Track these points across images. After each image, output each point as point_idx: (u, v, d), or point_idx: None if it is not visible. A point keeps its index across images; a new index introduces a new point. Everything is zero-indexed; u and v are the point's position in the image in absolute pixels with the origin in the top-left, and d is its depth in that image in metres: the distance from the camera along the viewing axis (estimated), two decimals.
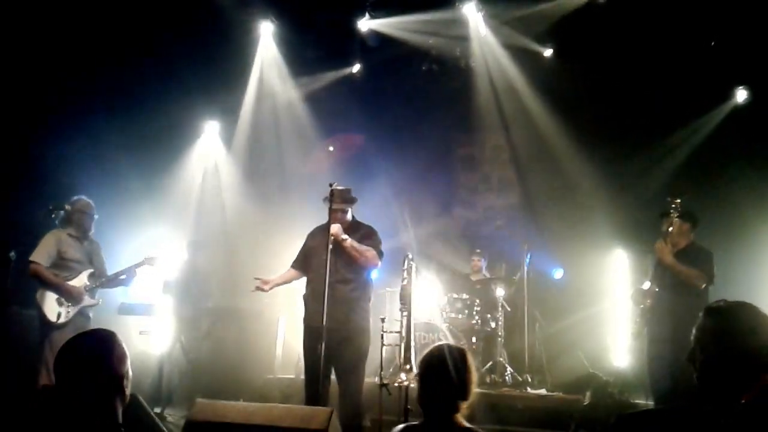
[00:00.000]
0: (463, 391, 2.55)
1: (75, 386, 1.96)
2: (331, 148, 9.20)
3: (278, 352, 8.19)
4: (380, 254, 5.24)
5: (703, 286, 5.43)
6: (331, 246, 4.85)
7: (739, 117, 8.38)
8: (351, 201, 5.30)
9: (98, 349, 2.04)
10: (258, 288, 5.28)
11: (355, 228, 5.26)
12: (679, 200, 5.51)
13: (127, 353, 2.10)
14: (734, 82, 8.43)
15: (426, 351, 2.71)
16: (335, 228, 4.93)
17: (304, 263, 5.34)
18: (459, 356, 2.61)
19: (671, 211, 5.54)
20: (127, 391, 2.07)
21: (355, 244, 5.05)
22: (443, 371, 2.54)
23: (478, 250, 8.52)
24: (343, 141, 9.47)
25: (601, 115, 8.52)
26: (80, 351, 2.03)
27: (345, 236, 5.02)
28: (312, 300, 5.06)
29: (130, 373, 2.09)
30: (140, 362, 6.98)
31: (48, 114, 7.79)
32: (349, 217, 5.29)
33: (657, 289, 5.53)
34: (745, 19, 7.61)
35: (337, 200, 5.02)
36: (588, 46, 8.56)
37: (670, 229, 5.54)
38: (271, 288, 5.33)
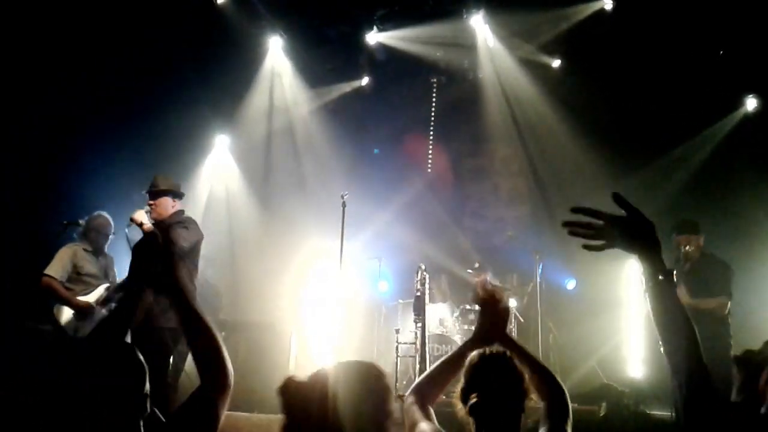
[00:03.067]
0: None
1: (102, 405, 1.88)
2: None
3: (291, 365, 8.17)
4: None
5: (728, 308, 5.37)
6: None
7: (750, 126, 8.35)
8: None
9: (128, 367, 1.97)
10: None
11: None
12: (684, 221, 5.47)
13: (146, 368, 2.04)
14: (744, 91, 8.40)
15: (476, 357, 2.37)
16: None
17: None
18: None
19: (683, 230, 5.46)
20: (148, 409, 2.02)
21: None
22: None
23: (477, 264, 8.43)
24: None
25: (610, 125, 8.52)
26: (108, 368, 1.94)
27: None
28: None
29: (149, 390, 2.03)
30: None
31: (65, 131, 7.86)
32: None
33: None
34: (754, 28, 7.62)
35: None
36: (595, 56, 8.59)
37: (688, 248, 5.45)
38: None
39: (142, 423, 1.95)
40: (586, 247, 1.88)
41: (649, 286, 1.85)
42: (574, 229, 1.89)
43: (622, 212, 1.88)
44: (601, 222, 1.88)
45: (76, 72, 7.83)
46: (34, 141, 7.73)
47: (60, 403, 1.91)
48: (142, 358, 2.01)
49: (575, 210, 1.89)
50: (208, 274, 8.17)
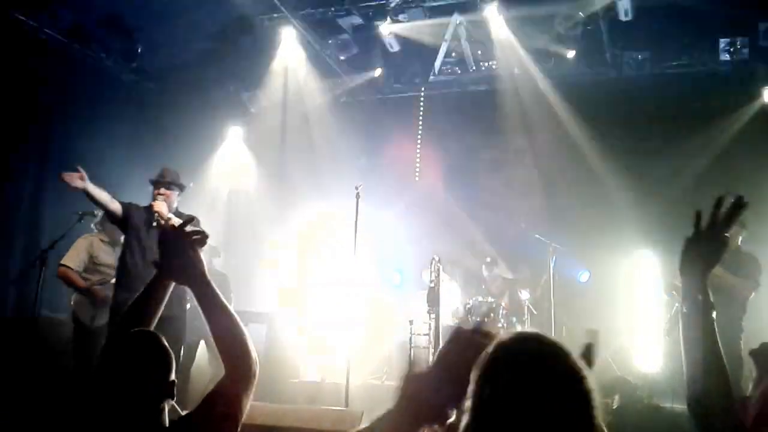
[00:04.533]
0: None
1: (130, 391, 1.93)
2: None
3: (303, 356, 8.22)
4: None
5: (752, 295, 5.38)
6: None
7: (765, 118, 8.26)
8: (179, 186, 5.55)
9: (155, 354, 2.01)
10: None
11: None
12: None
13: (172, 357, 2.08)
14: (761, 82, 8.31)
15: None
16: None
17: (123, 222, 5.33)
18: None
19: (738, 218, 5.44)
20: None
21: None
22: None
23: (488, 259, 8.44)
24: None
25: (625, 116, 8.46)
26: (136, 355, 1.99)
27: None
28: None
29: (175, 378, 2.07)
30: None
31: (78, 120, 7.92)
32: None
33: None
34: None
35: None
36: (611, 47, 8.52)
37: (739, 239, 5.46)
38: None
39: (167, 410, 1.98)
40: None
41: (686, 310, 1.84)
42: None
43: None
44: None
45: (89, 63, 7.89)
46: (49, 132, 7.80)
47: (86, 393, 1.96)
48: (167, 346, 2.05)
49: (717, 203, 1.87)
50: (215, 263, 8.14)
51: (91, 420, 1.91)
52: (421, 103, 9.75)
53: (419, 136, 9.70)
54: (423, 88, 9.76)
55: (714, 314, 1.82)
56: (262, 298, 8.75)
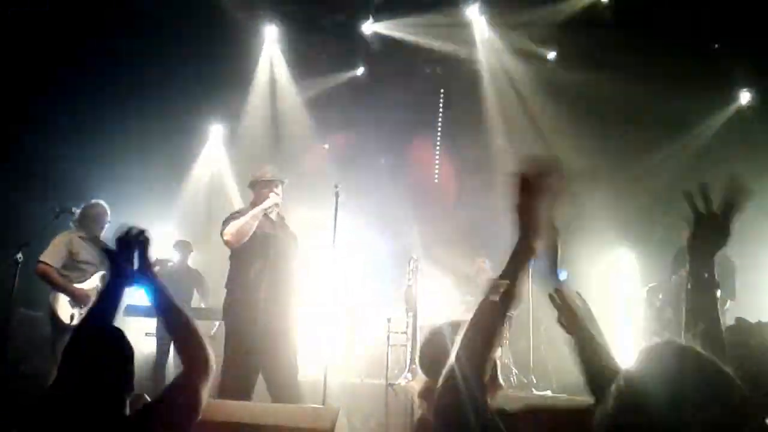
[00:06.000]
0: None
1: (90, 383, 2.02)
2: (326, 146, 9.17)
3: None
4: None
5: (727, 303, 5.43)
6: None
7: (743, 119, 8.39)
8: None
9: (114, 347, 2.12)
10: None
11: None
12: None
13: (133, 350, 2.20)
14: (738, 85, 8.43)
15: None
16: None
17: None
18: None
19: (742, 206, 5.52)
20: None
21: None
22: None
23: (483, 260, 8.50)
24: (337, 139, 9.49)
25: (605, 116, 8.53)
26: (96, 348, 2.09)
27: None
28: None
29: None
30: (146, 365, 6.97)
31: (57, 116, 7.84)
32: None
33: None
34: (748, 21, 7.64)
35: None
36: (591, 47, 8.59)
37: None
38: None
39: (128, 402, 2.05)
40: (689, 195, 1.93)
41: (692, 286, 1.93)
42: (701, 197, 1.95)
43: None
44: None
45: (70, 60, 7.81)
46: (25, 129, 7.71)
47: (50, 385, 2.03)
48: (129, 340, 2.16)
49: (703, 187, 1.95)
50: (186, 260, 8.05)
51: (53, 413, 1.99)
52: (402, 101, 9.73)
53: (399, 134, 9.68)
54: (404, 87, 9.75)
55: (718, 292, 1.92)
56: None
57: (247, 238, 4.86)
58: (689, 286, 1.94)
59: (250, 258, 4.91)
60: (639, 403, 1.30)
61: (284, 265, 4.81)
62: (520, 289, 1.69)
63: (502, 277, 1.68)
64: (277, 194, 5.11)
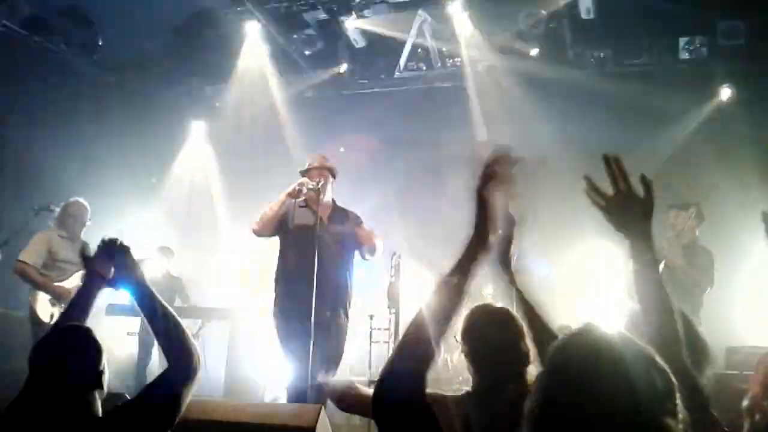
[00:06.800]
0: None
1: (56, 382, 2.01)
2: (341, 149, 9.13)
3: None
4: None
5: (708, 290, 5.51)
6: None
7: (723, 115, 8.46)
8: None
9: (79, 345, 2.10)
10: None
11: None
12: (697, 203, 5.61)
13: (103, 349, 2.17)
14: (720, 80, 8.51)
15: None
16: None
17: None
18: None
19: (691, 210, 5.59)
20: (105, 387, 2.14)
21: None
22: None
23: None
24: (354, 143, 9.45)
25: (587, 113, 8.57)
26: (61, 347, 2.08)
27: None
28: None
29: (107, 369, 2.16)
30: (129, 364, 6.93)
31: (35, 114, 7.76)
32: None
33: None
34: (728, 17, 7.72)
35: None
36: (573, 44, 8.63)
37: (685, 226, 5.59)
38: None
39: (98, 398, 2.04)
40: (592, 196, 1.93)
41: (635, 268, 1.88)
42: (590, 189, 1.95)
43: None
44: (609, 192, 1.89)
45: (48, 56, 7.74)
46: (5, 126, 7.63)
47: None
48: (97, 338, 2.15)
49: (606, 159, 1.93)
50: (169, 266, 7.99)
51: (22, 411, 1.98)
52: (385, 98, 9.73)
53: (381, 131, 9.67)
54: (387, 84, 9.75)
55: (661, 267, 1.89)
56: (226, 293, 8.68)
57: (269, 225, 4.88)
58: (634, 269, 1.88)
59: (284, 250, 4.96)
60: (555, 397, 1.28)
61: (322, 258, 4.62)
62: (469, 284, 1.71)
63: (452, 272, 1.68)
64: (304, 183, 4.87)
